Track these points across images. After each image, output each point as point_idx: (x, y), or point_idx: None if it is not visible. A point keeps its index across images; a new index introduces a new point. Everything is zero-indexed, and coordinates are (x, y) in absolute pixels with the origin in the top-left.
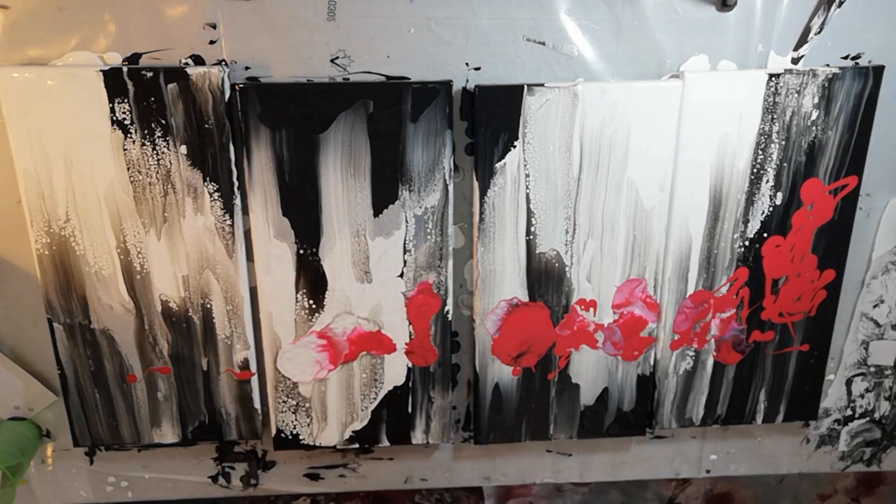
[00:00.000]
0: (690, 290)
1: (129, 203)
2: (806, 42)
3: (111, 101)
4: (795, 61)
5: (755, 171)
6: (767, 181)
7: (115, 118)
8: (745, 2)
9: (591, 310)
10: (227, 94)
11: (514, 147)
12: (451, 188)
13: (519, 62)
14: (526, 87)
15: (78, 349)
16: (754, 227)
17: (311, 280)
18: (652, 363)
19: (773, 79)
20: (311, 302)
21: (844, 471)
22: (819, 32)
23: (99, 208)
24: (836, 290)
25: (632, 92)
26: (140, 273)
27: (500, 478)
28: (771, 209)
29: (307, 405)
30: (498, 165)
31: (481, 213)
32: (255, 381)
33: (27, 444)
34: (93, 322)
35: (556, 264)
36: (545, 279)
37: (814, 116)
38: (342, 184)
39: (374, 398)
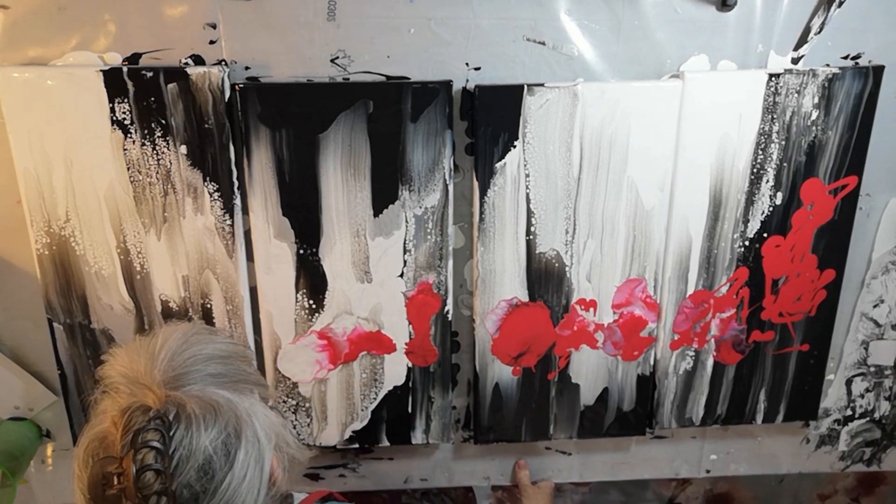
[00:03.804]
0: (690, 290)
1: (129, 203)
2: (806, 42)
3: (111, 101)
4: (795, 61)
5: (755, 171)
6: (767, 181)
7: (115, 118)
8: (745, 2)
9: (591, 310)
10: (227, 94)
11: (514, 147)
12: (451, 188)
13: (519, 62)
14: (526, 87)
15: (78, 349)
16: (754, 227)
17: (311, 280)
18: (652, 363)
19: (773, 79)
20: (311, 302)
21: (844, 471)
22: (819, 32)
23: (99, 208)
24: (836, 290)
25: (632, 92)
26: (140, 273)
27: (500, 478)
28: (771, 209)
29: (307, 405)
30: (498, 165)
31: (481, 213)
32: None
33: (27, 444)
34: (93, 322)
35: (556, 264)
36: (545, 279)
37: (814, 116)
38: (342, 184)
39: (374, 398)
